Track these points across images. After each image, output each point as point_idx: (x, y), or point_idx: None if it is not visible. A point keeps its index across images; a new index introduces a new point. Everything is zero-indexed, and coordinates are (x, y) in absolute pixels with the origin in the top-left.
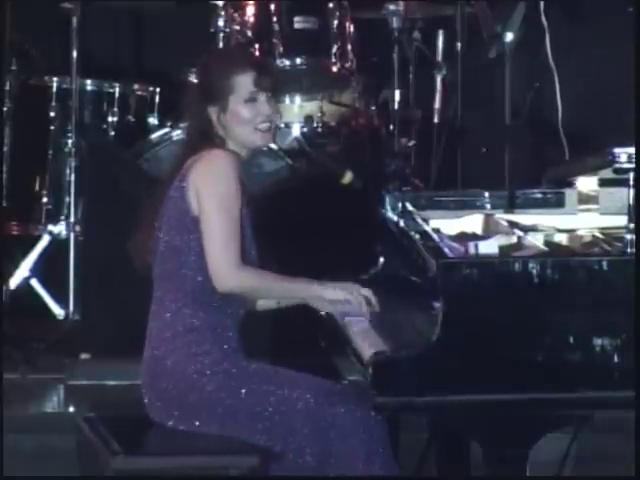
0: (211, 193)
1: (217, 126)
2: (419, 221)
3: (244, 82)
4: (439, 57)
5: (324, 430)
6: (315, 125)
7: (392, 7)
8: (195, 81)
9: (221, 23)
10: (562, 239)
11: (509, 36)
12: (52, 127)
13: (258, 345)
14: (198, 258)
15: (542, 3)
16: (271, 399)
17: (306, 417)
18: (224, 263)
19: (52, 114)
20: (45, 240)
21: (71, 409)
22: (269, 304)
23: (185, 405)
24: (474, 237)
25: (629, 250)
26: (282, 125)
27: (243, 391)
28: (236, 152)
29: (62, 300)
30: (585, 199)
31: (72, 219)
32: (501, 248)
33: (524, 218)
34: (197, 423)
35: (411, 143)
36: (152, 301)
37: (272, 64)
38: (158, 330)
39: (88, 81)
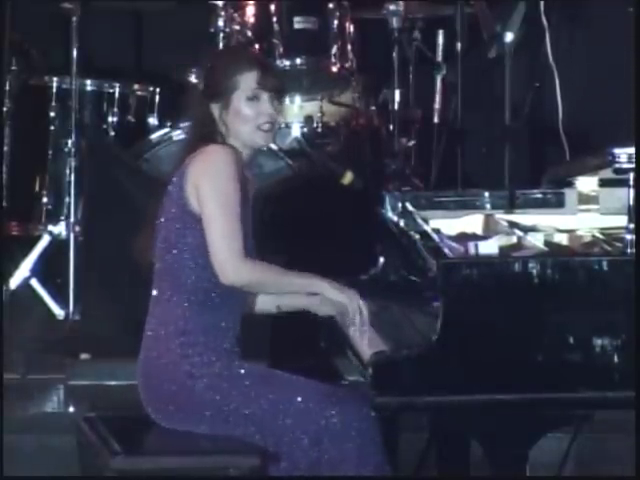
0: (211, 188)
1: (219, 123)
2: (419, 221)
3: (248, 80)
4: (439, 57)
5: (316, 433)
6: (315, 125)
7: (392, 7)
8: (197, 81)
9: (221, 23)
10: (562, 239)
11: (509, 36)
12: (52, 127)
13: (258, 346)
14: (193, 253)
15: (542, 3)
16: (262, 402)
17: (298, 420)
18: (228, 256)
19: (52, 114)
20: (45, 240)
21: (71, 409)
22: (268, 308)
23: (176, 406)
24: (474, 237)
25: (629, 250)
26: (282, 125)
27: (234, 393)
28: (235, 147)
29: (62, 300)
30: (585, 199)
31: (72, 219)
32: (501, 248)
33: (524, 218)
34: (187, 424)
35: (411, 143)
36: (150, 299)
37: (276, 66)
38: (153, 330)
39: (88, 81)
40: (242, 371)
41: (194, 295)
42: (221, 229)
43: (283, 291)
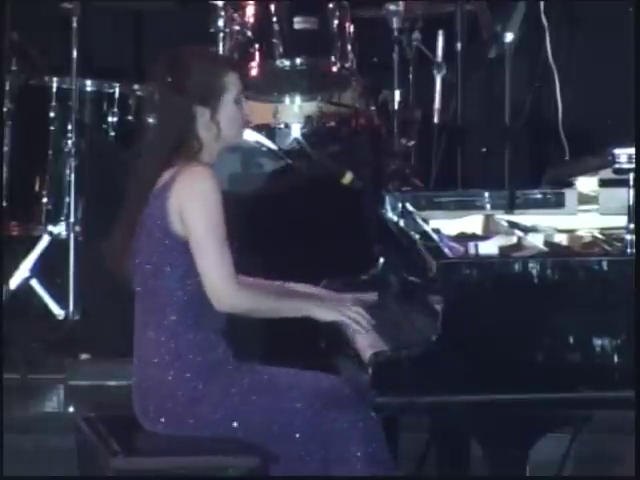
0: (201, 216)
1: (200, 127)
2: (419, 221)
3: (234, 81)
4: (439, 57)
5: (323, 435)
6: (315, 125)
7: (392, 7)
8: (167, 78)
9: (221, 23)
10: (562, 239)
11: (509, 36)
12: (52, 127)
13: (257, 346)
14: (180, 277)
15: (542, 3)
16: (268, 411)
17: (304, 425)
18: (222, 285)
19: (52, 114)
20: (45, 240)
21: (71, 409)
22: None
23: (183, 426)
24: (474, 237)
25: (629, 250)
26: (282, 125)
27: (240, 409)
28: (211, 164)
29: (62, 300)
30: (585, 199)
31: (72, 219)
32: (501, 248)
33: (524, 218)
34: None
35: (411, 143)
36: (135, 324)
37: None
38: (145, 356)
39: (88, 81)
40: (246, 383)
41: (183, 317)
42: (213, 256)
43: (275, 316)
